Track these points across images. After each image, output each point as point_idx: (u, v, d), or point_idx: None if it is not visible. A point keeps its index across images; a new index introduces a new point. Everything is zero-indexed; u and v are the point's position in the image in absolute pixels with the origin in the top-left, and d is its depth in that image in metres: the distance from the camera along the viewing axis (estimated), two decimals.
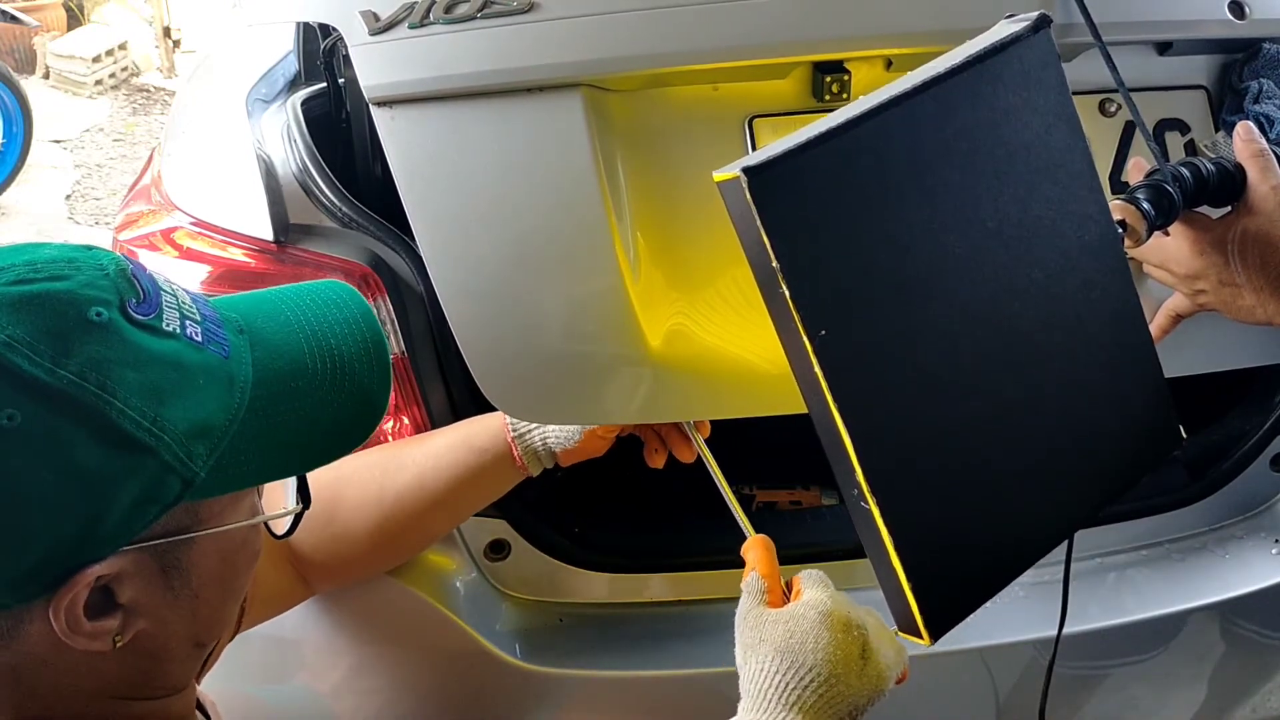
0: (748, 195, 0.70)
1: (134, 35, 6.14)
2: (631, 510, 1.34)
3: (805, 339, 0.73)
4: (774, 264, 0.71)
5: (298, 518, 0.80)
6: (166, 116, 4.50)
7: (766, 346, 1.08)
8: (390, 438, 1.16)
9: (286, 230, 1.15)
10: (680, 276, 1.11)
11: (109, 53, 5.85)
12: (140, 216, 1.29)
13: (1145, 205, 0.96)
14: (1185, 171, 0.99)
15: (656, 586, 1.27)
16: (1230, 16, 1.18)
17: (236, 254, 1.16)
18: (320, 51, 1.28)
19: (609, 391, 1.07)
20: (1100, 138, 1.20)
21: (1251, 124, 1.04)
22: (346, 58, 1.16)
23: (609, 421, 1.06)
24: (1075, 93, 0.87)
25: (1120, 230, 0.92)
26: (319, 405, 0.72)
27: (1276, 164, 1.00)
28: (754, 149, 1.15)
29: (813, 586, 0.87)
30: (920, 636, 0.80)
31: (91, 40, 5.90)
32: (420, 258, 1.09)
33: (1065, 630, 1.06)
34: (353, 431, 0.74)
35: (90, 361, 0.61)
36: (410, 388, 1.16)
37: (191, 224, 1.21)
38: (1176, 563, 1.33)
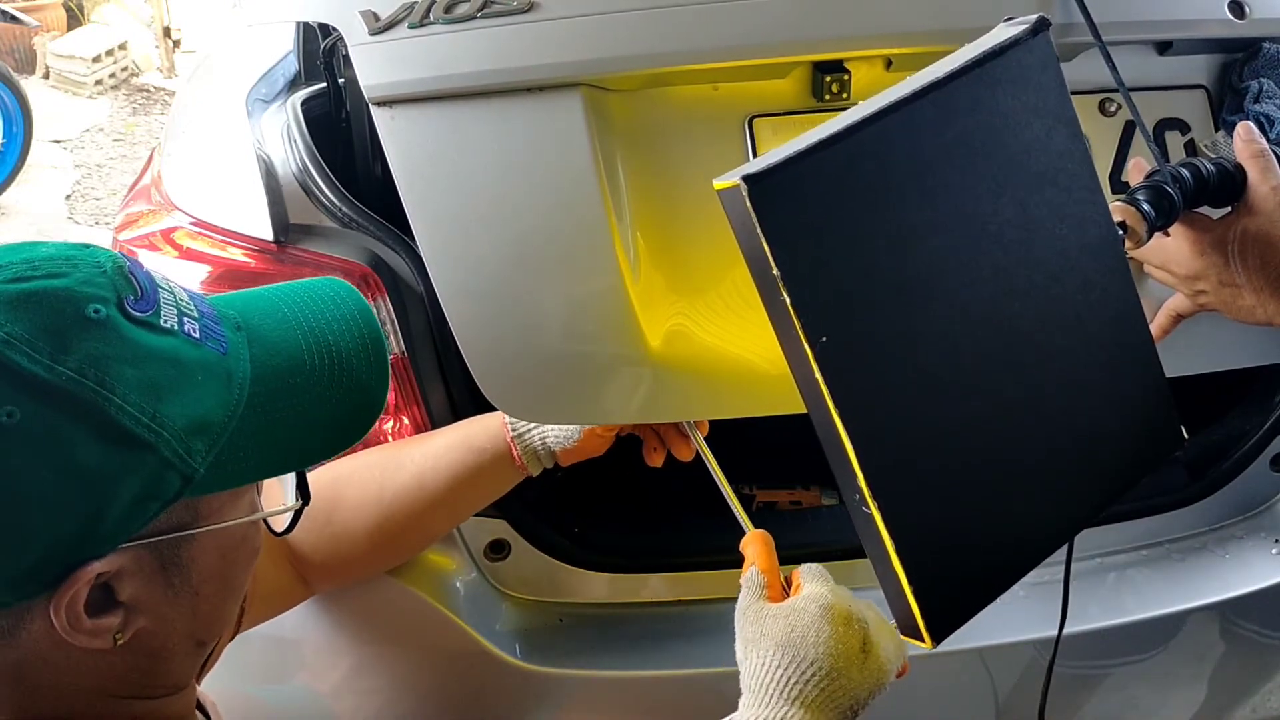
0: (748, 203, 0.71)
1: (134, 35, 6.15)
2: (631, 510, 1.34)
3: (806, 345, 0.73)
4: (774, 271, 0.71)
5: (297, 514, 0.80)
6: (166, 116, 4.50)
7: (766, 347, 1.08)
8: (390, 438, 1.16)
9: (286, 230, 1.15)
10: (680, 276, 1.11)
11: (109, 53, 5.85)
12: (140, 216, 1.29)
13: (1145, 206, 0.96)
14: (1185, 172, 0.99)
15: (656, 586, 1.27)
16: (1230, 16, 1.18)
17: (236, 254, 1.16)
18: (320, 51, 1.28)
19: (608, 391, 1.07)
20: (1100, 138, 1.20)
21: (1252, 124, 1.04)
22: (346, 58, 1.16)
23: (609, 421, 1.06)
24: (1075, 92, 0.87)
25: (1120, 231, 0.92)
26: (317, 402, 0.72)
27: (1277, 164, 1.00)
28: (754, 149, 1.15)
29: (813, 581, 0.87)
30: (922, 639, 0.80)
31: (91, 40, 5.90)
32: (420, 258, 1.09)
33: (1065, 630, 1.06)
34: (351, 428, 0.74)
35: (89, 358, 0.61)
36: (410, 388, 1.16)
37: (191, 224, 1.21)
38: (1176, 563, 1.33)
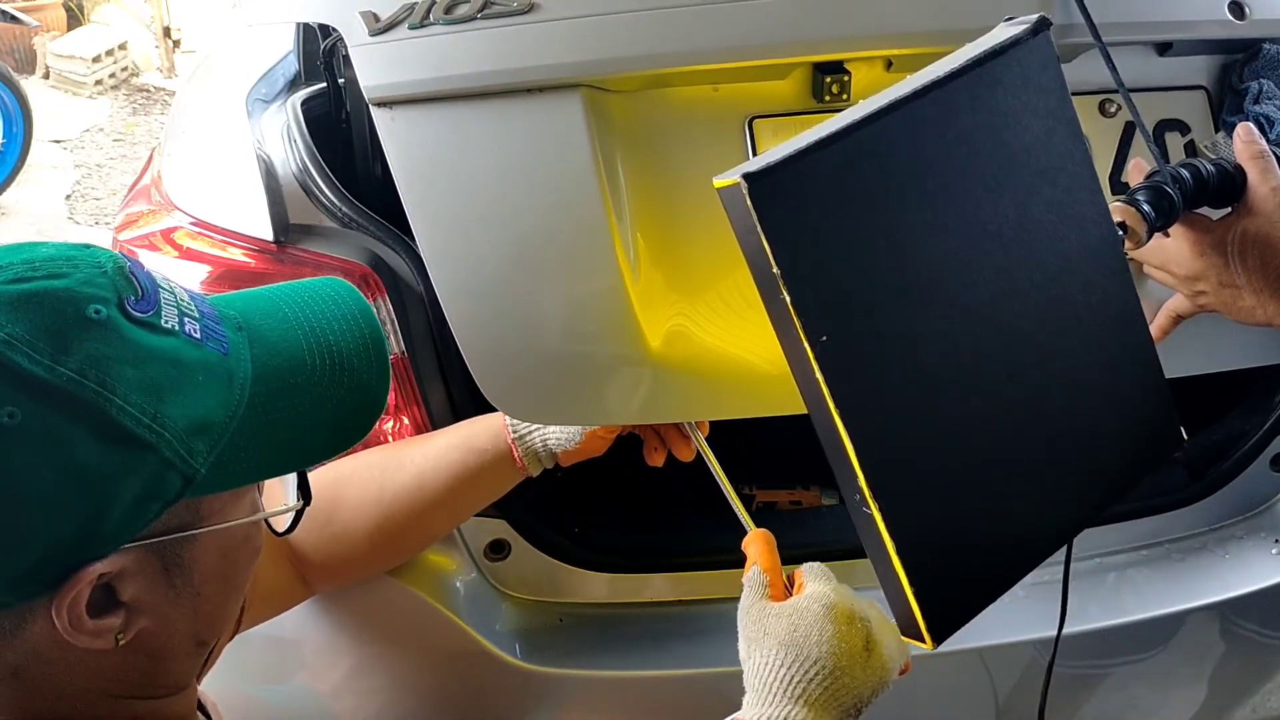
0: (748, 202, 0.71)
1: (134, 35, 6.15)
2: (631, 510, 1.34)
3: (806, 344, 0.73)
4: (774, 270, 0.71)
5: (298, 514, 0.80)
6: (166, 116, 4.50)
7: (766, 347, 1.08)
8: (390, 438, 1.16)
9: (286, 230, 1.15)
10: (680, 277, 1.11)
11: (109, 53, 5.85)
12: (140, 216, 1.29)
13: (1145, 207, 0.96)
14: (1185, 173, 0.99)
15: (656, 586, 1.27)
16: (1230, 17, 1.18)
17: (236, 254, 1.16)
18: (320, 51, 1.28)
19: (609, 392, 1.07)
20: (1100, 138, 1.20)
21: (1252, 125, 1.04)
22: (346, 58, 1.16)
23: (609, 422, 1.06)
24: (1075, 93, 0.87)
25: (1120, 232, 0.92)
26: (318, 401, 0.72)
27: (1277, 165, 1.00)
28: (754, 149, 1.15)
29: (815, 579, 0.87)
30: (923, 640, 0.80)
31: (91, 40, 5.90)
32: (420, 258, 1.09)
33: (1065, 630, 1.06)
34: (352, 428, 0.74)
35: (89, 359, 0.61)
36: (410, 388, 1.16)
37: (191, 224, 1.21)
38: (1176, 563, 1.33)
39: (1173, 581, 1.31)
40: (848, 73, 1.15)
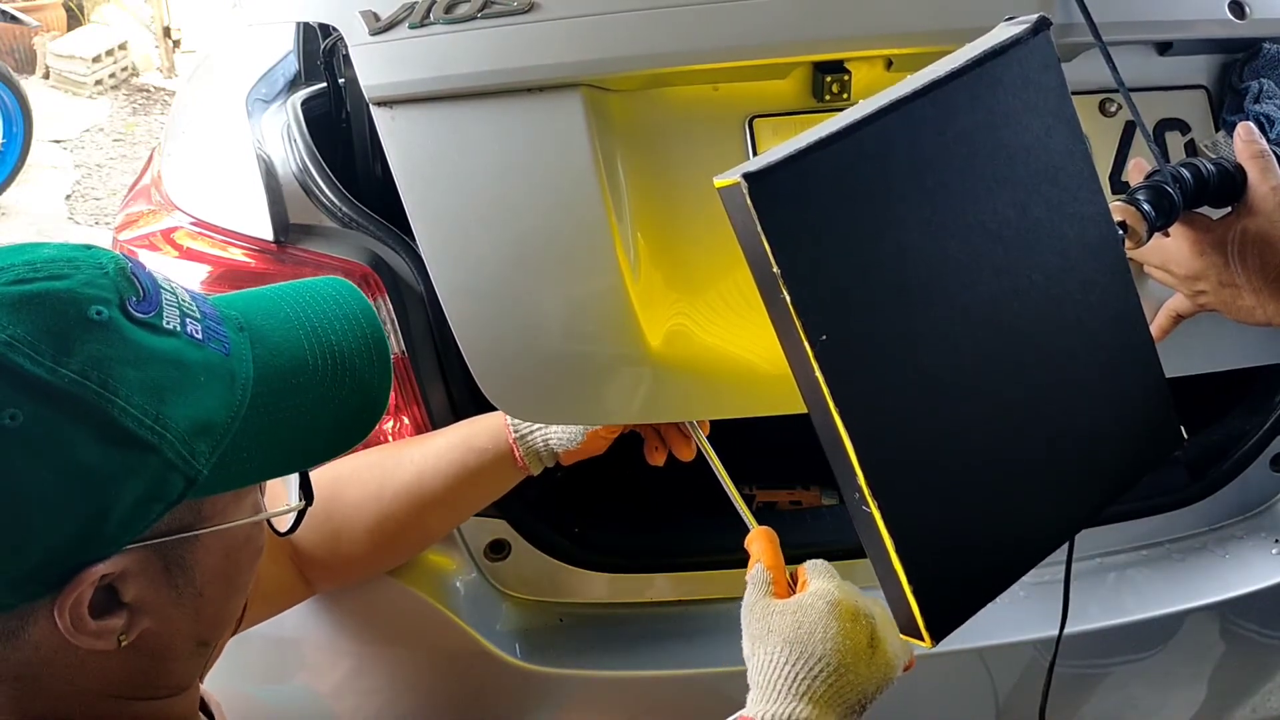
0: (749, 201, 0.71)
1: (134, 35, 6.15)
2: (631, 510, 1.34)
3: (806, 344, 0.73)
4: (775, 269, 0.71)
5: (300, 514, 0.80)
6: (166, 116, 4.50)
7: (766, 346, 1.08)
8: (390, 438, 1.16)
9: (286, 230, 1.15)
10: (680, 276, 1.11)
11: (109, 53, 5.85)
12: (140, 216, 1.29)
13: (1145, 206, 0.96)
14: (1185, 172, 0.99)
15: (657, 586, 1.27)
16: (1230, 16, 1.18)
17: (236, 254, 1.16)
18: (320, 51, 1.28)
19: (609, 391, 1.07)
20: (1100, 138, 1.20)
21: (1252, 124, 1.04)
22: (346, 58, 1.16)
23: (609, 422, 1.06)
24: (1075, 92, 0.87)
25: (1120, 231, 0.92)
26: (320, 401, 0.72)
27: (1277, 164, 1.00)
28: (754, 149, 1.15)
29: (819, 577, 0.87)
30: (922, 638, 0.80)
31: (91, 40, 5.90)
32: (420, 258, 1.09)
33: (1065, 630, 1.06)
34: (354, 428, 0.74)
35: (91, 360, 0.61)
36: (410, 388, 1.16)
37: (191, 224, 1.21)
38: (1176, 563, 1.33)
39: (1173, 581, 1.31)
40: (848, 72, 1.15)
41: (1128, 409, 0.92)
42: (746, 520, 0.97)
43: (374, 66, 1.08)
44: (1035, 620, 1.23)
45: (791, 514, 1.34)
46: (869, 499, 0.76)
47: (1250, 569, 1.33)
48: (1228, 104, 1.24)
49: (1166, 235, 1.02)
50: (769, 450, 1.31)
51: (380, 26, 1.09)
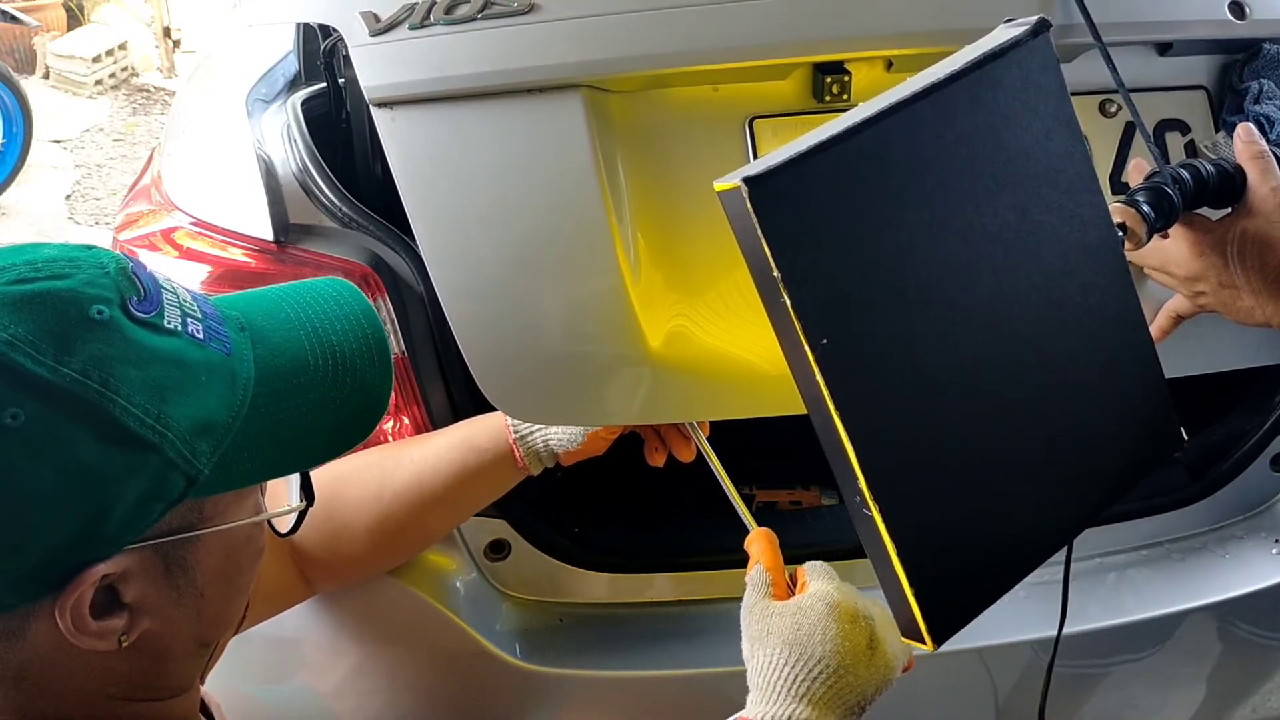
0: (748, 205, 0.71)
1: (134, 35, 6.14)
2: (631, 510, 1.34)
3: (807, 347, 0.73)
4: (775, 273, 0.71)
5: (301, 515, 0.80)
6: (166, 116, 4.50)
7: (766, 347, 1.08)
8: (390, 438, 1.16)
9: (286, 230, 1.15)
10: (680, 277, 1.11)
11: (109, 53, 5.85)
12: (140, 216, 1.29)
13: (1145, 208, 0.96)
14: (1185, 173, 0.99)
15: (656, 586, 1.27)
16: (1230, 17, 1.18)
17: (236, 254, 1.16)
18: (320, 52, 1.28)
19: (609, 392, 1.07)
20: (1100, 138, 1.20)
21: (1252, 125, 1.04)
22: (346, 58, 1.16)
23: (609, 422, 1.06)
24: (1075, 93, 0.87)
25: (1120, 233, 0.92)
26: (321, 402, 0.72)
27: (1277, 165, 1.00)
28: (754, 150, 1.15)
29: (818, 578, 0.88)
30: (924, 641, 0.80)
31: (91, 40, 5.90)
32: (420, 258, 1.09)
33: (1065, 630, 1.06)
34: (355, 428, 0.75)
35: (93, 359, 0.61)
36: (410, 388, 1.16)
37: (191, 224, 1.21)
38: (1176, 563, 1.33)
39: (1173, 581, 1.31)
40: (848, 73, 1.15)
41: (1128, 410, 0.92)
42: (746, 521, 0.97)
43: (374, 67, 1.08)
44: (1035, 620, 1.23)
45: (791, 514, 1.34)
46: (870, 501, 0.76)
47: (1250, 569, 1.33)
48: (1228, 105, 1.24)
49: (1165, 237, 1.02)
50: (769, 450, 1.31)
51: (380, 27, 1.09)
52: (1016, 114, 0.82)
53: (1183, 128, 1.24)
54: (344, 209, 1.17)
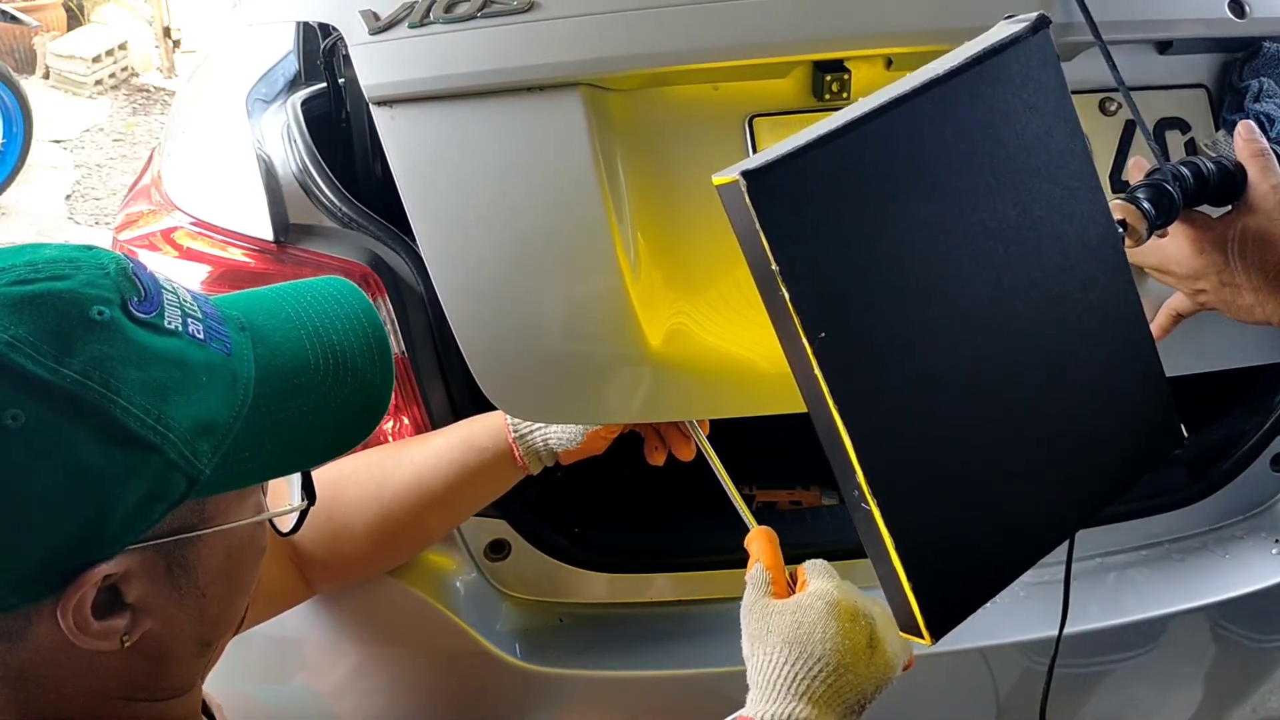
0: (747, 199, 0.70)
1: (134, 35, 6.14)
2: (631, 510, 1.34)
3: (805, 341, 0.73)
4: (773, 267, 0.71)
5: (303, 514, 0.80)
6: (166, 116, 4.50)
7: (766, 346, 1.08)
8: (390, 438, 1.16)
9: (286, 230, 1.15)
10: (680, 276, 1.11)
11: (109, 53, 5.85)
12: (140, 216, 1.29)
13: (1146, 205, 0.96)
14: (1186, 170, 0.99)
15: (656, 586, 1.27)
16: (1230, 15, 1.18)
17: (236, 254, 1.16)
18: (320, 51, 1.28)
19: (609, 391, 1.07)
20: (1100, 137, 1.20)
21: (1252, 123, 1.04)
22: (346, 57, 1.16)
23: (609, 421, 1.06)
24: (1075, 91, 0.87)
25: (1121, 230, 0.92)
26: (322, 401, 0.72)
27: (1277, 163, 1.00)
28: (754, 148, 1.15)
29: (818, 576, 0.87)
30: (922, 636, 0.80)
31: (91, 40, 5.90)
32: (420, 258, 1.09)
33: (1065, 630, 1.06)
34: (356, 427, 0.74)
35: (93, 360, 0.61)
36: (410, 388, 1.16)
37: (191, 224, 1.21)
38: (1176, 563, 1.33)
39: (1173, 581, 1.31)
40: (848, 71, 1.15)
41: (1128, 407, 0.92)
42: (746, 520, 0.97)
43: (374, 66, 1.08)
44: (1035, 620, 1.23)
45: (791, 514, 1.34)
46: (868, 496, 0.76)
47: (1250, 569, 1.33)
48: (1228, 103, 1.24)
49: (1164, 236, 1.02)
50: (769, 450, 1.31)
51: (380, 26, 1.09)
52: (1016, 110, 0.82)
53: (1183, 126, 1.24)
54: (344, 209, 1.17)
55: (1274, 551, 1.34)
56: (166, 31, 6.00)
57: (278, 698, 1.26)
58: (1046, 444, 0.86)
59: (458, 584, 1.21)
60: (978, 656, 1.25)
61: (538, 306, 1.07)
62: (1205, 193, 1.00)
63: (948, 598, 0.81)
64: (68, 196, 4.64)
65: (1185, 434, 0.96)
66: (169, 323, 0.65)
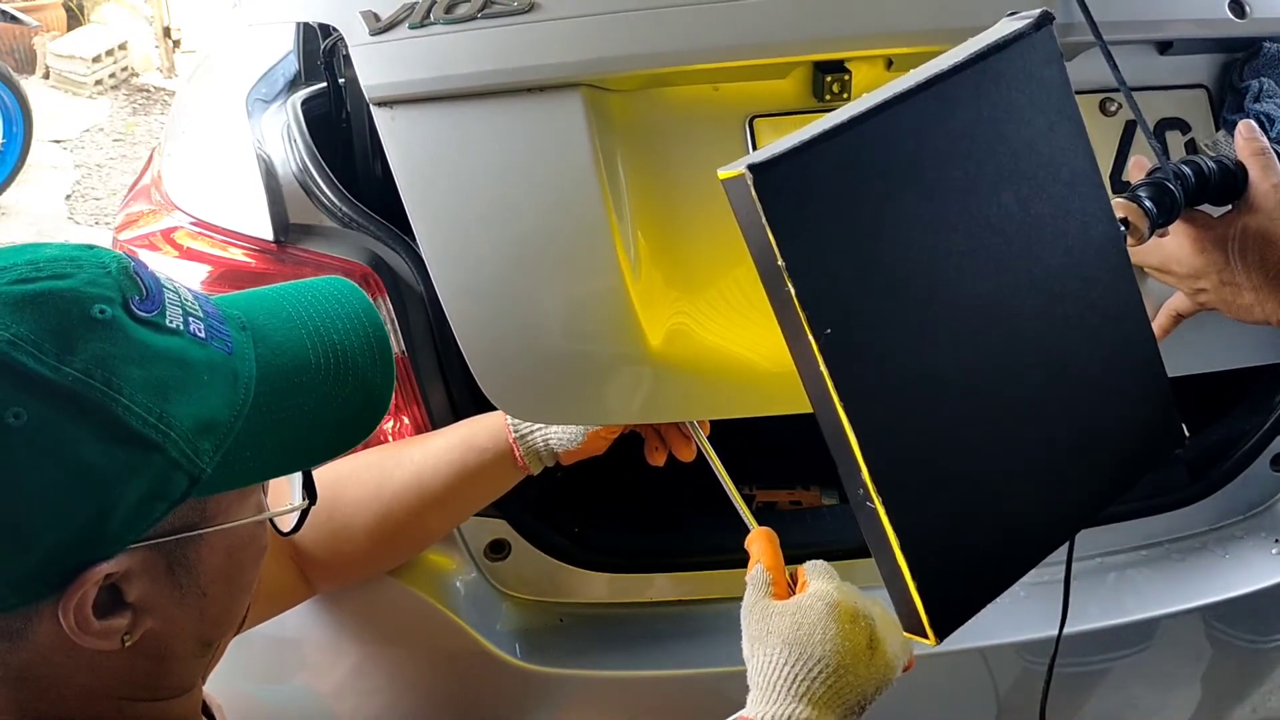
0: (753, 192, 0.70)
1: (134, 35, 6.14)
2: (631, 510, 1.34)
3: (810, 337, 0.72)
4: (779, 262, 0.71)
5: (304, 514, 0.80)
6: (166, 116, 4.50)
7: (767, 345, 1.08)
8: (390, 438, 1.16)
9: (286, 230, 1.15)
10: (681, 276, 1.11)
11: (109, 53, 5.85)
12: (140, 216, 1.29)
13: (1147, 203, 0.96)
14: (1187, 169, 0.99)
15: (657, 586, 1.27)
16: (1230, 15, 1.18)
17: (237, 254, 1.16)
18: (320, 51, 1.28)
19: (610, 391, 1.07)
20: (1101, 137, 1.20)
21: (1253, 122, 1.04)
22: (347, 58, 1.16)
23: (610, 421, 1.06)
24: (1076, 91, 0.87)
25: (1122, 228, 0.92)
26: (323, 400, 0.72)
27: (1278, 162, 1.00)
28: (754, 149, 1.15)
29: (818, 577, 0.87)
30: (925, 636, 0.80)
31: (91, 40, 5.90)
32: (420, 258, 1.09)
33: (1065, 630, 1.06)
34: (356, 426, 0.75)
35: (95, 359, 0.61)
36: (410, 388, 1.16)
37: (191, 224, 1.21)
38: (1176, 563, 1.33)
39: (1173, 581, 1.31)
40: (848, 72, 1.15)
41: (1130, 406, 0.92)
42: (747, 520, 0.97)
43: (374, 66, 1.08)
44: (1035, 620, 1.22)
45: (791, 514, 1.34)
46: (873, 494, 0.76)
47: (1250, 569, 1.33)
48: (1228, 103, 1.24)
49: (1165, 235, 1.01)
50: (769, 450, 1.31)
51: (380, 26, 1.09)
52: (1019, 107, 0.82)
53: (1183, 126, 1.24)
54: (344, 209, 1.17)
55: (1274, 551, 1.34)
56: (166, 31, 6.00)
57: (278, 698, 1.26)
58: (1048, 442, 0.86)
59: (458, 584, 1.21)
60: (977, 656, 1.25)
61: (538, 306, 1.06)
62: (1206, 192, 1.00)
63: (952, 597, 0.81)
64: (68, 196, 4.64)
65: (1186, 433, 0.95)
66: (170, 321, 0.65)
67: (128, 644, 0.66)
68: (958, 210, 0.79)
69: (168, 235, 1.22)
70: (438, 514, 1.09)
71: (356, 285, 0.79)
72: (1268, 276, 0.98)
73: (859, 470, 0.75)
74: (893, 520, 0.76)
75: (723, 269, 1.10)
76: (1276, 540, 1.35)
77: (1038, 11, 0.84)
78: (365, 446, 1.09)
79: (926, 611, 0.79)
